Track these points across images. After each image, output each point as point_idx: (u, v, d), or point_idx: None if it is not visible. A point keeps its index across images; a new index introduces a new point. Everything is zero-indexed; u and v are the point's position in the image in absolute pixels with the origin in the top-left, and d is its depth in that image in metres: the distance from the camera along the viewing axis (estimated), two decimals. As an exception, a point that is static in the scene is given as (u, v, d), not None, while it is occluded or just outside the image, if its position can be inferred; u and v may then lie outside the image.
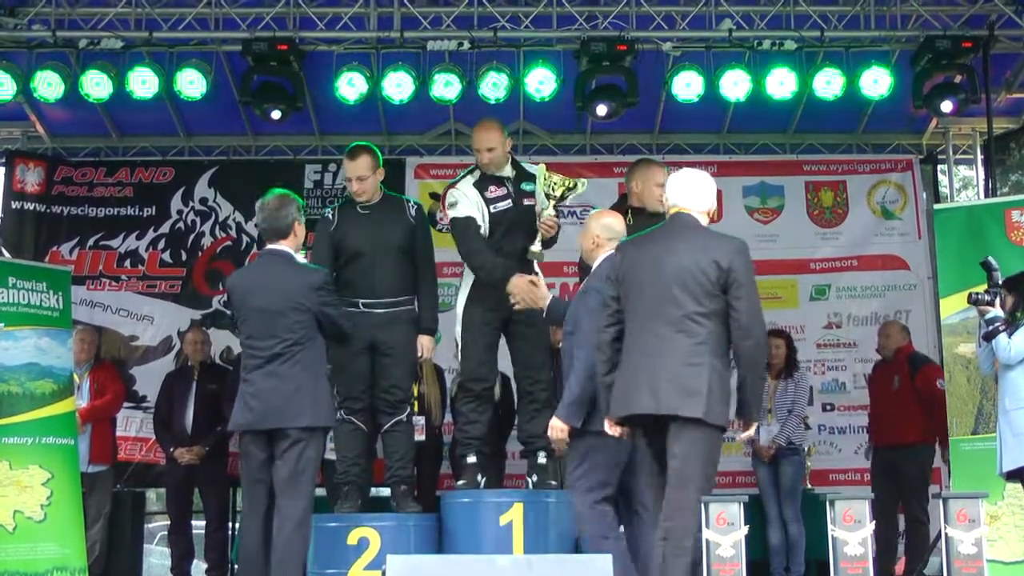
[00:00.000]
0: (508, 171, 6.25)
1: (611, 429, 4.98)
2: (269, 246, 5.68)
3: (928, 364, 8.20)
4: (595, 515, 5.25)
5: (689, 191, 5.00)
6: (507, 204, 6.18)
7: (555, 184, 6.01)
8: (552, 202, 6.04)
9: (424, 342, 6.23)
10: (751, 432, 5.08)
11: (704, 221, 5.01)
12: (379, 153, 6.35)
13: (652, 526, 4.92)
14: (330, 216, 6.33)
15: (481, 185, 6.24)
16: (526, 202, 6.19)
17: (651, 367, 4.76)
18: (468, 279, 6.23)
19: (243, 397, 5.52)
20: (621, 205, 6.41)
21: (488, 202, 6.19)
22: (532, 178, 6.20)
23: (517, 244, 6.15)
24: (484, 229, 6.14)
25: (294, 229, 5.61)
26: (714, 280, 4.75)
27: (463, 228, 6.17)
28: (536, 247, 6.08)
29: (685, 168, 5.24)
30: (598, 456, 5.25)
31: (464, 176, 6.35)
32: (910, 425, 7.94)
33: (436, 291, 6.44)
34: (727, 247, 4.84)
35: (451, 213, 6.25)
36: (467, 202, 6.19)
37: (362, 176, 6.20)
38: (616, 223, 5.56)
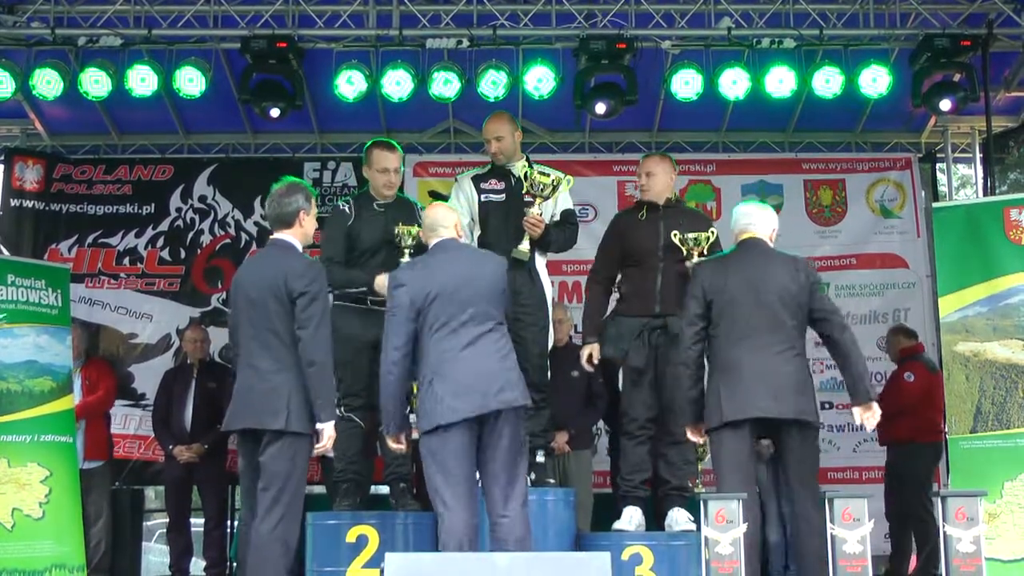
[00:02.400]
0: (519, 169, 6.23)
1: (695, 436, 5.57)
2: (273, 236, 5.38)
3: (909, 361, 8.30)
4: None
5: (759, 218, 5.59)
6: (500, 197, 6.16)
7: (536, 183, 5.99)
8: (539, 200, 6.01)
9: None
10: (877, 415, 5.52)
11: (770, 244, 5.60)
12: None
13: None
14: (347, 209, 6.23)
15: (482, 177, 6.27)
16: (526, 199, 6.13)
17: (766, 376, 5.30)
18: None
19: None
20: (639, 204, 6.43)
21: (481, 192, 6.20)
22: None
23: (504, 241, 6.05)
24: (468, 222, 6.13)
25: (299, 218, 5.27)
26: (806, 295, 5.41)
27: None
28: (523, 246, 6.02)
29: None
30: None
31: (475, 168, 6.42)
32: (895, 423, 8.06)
33: None
34: (803, 263, 5.52)
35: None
36: (458, 195, 6.26)
37: (398, 168, 6.25)
38: (439, 214, 5.37)
